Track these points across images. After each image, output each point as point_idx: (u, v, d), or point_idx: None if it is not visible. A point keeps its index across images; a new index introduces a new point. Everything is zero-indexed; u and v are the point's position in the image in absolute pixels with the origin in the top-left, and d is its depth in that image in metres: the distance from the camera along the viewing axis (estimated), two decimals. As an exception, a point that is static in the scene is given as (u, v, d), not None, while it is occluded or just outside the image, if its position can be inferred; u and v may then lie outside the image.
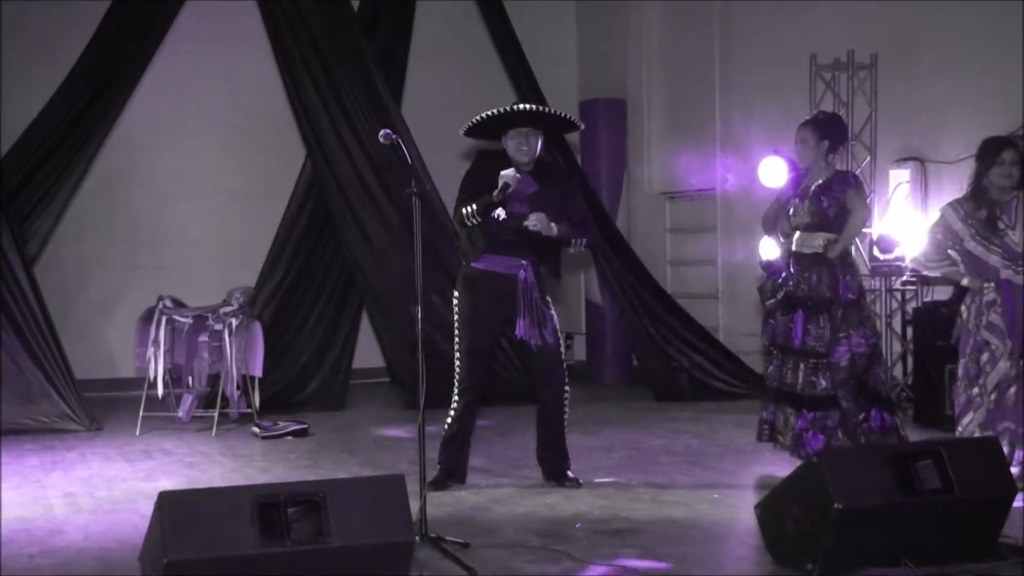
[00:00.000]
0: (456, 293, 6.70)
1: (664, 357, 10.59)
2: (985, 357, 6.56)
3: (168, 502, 4.30)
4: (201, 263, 11.11)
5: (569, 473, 6.81)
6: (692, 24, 11.91)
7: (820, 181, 7.09)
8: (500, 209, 6.45)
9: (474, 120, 6.56)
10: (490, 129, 6.65)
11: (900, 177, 9.75)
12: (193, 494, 4.67)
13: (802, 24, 10.62)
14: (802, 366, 6.97)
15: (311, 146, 10.16)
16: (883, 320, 9.43)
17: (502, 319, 6.66)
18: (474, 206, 6.41)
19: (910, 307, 9.55)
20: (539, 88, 10.67)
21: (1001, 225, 6.53)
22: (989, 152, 6.60)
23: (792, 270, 7.10)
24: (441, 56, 11.70)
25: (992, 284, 6.58)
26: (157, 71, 10.54)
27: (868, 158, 10.03)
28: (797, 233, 7.09)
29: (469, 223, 6.46)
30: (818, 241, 7.02)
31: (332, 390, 10.19)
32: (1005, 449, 6.30)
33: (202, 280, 10.54)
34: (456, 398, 6.70)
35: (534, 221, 6.41)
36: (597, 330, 11.85)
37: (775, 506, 5.11)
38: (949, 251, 6.74)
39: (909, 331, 9.51)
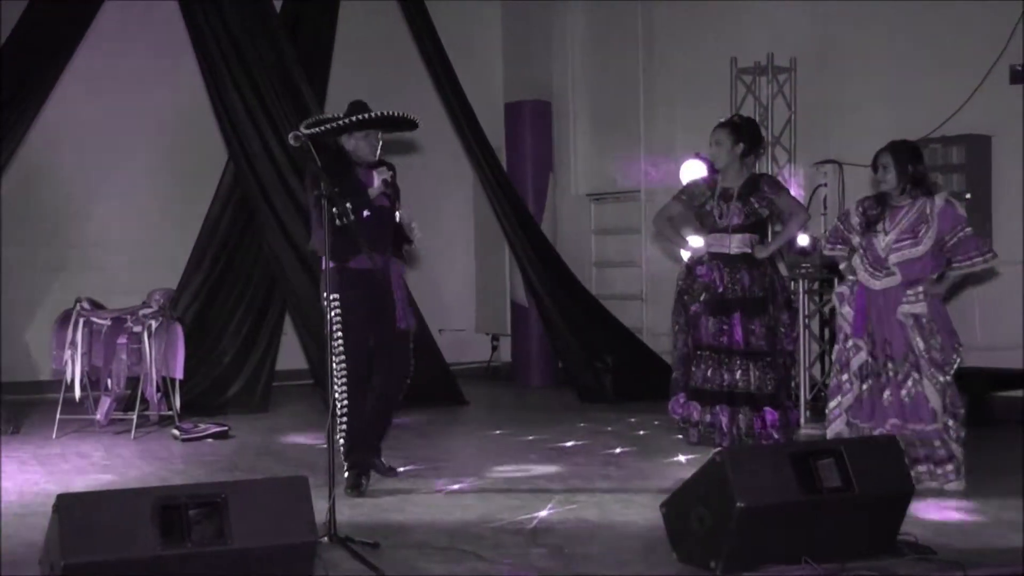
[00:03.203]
0: (331, 295, 6.53)
1: (587, 358, 10.65)
2: (850, 344, 6.77)
3: (66, 504, 4.27)
4: (124, 265, 11.01)
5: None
6: (616, 27, 11.99)
7: (741, 183, 7.18)
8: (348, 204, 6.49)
9: (323, 127, 6.63)
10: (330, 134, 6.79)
11: (819, 179, 9.90)
12: (92, 496, 4.63)
13: (723, 28, 10.76)
14: (753, 367, 7.05)
15: (233, 147, 10.10)
16: (801, 321, 9.53)
17: (377, 312, 6.74)
18: (345, 206, 6.18)
19: (827, 308, 9.67)
20: (462, 91, 10.69)
21: (879, 227, 6.67)
22: (874, 158, 6.78)
23: (720, 272, 7.18)
24: (365, 57, 11.67)
25: (852, 279, 6.80)
26: (77, 71, 10.44)
27: (788, 160, 10.15)
28: (720, 234, 7.17)
29: (340, 223, 6.19)
30: (745, 242, 7.12)
31: (255, 392, 10.14)
32: None
33: (125, 282, 10.44)
34: (345, 402, 6.62)
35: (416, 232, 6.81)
36: (522, 331, 11.88)
37: (680, 504, 5.16)
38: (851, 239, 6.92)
39: (827, 332, 9.64)
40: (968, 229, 6.59)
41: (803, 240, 9.11)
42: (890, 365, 6.63)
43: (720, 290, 7.13)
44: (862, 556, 5.00)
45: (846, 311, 6.83)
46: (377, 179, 6.66)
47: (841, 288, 6.94)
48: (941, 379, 6.52)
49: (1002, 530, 5.63)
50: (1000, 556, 5.17)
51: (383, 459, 7.06)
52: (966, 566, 4.91)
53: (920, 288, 6.56)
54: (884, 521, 5.12)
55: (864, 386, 6.72)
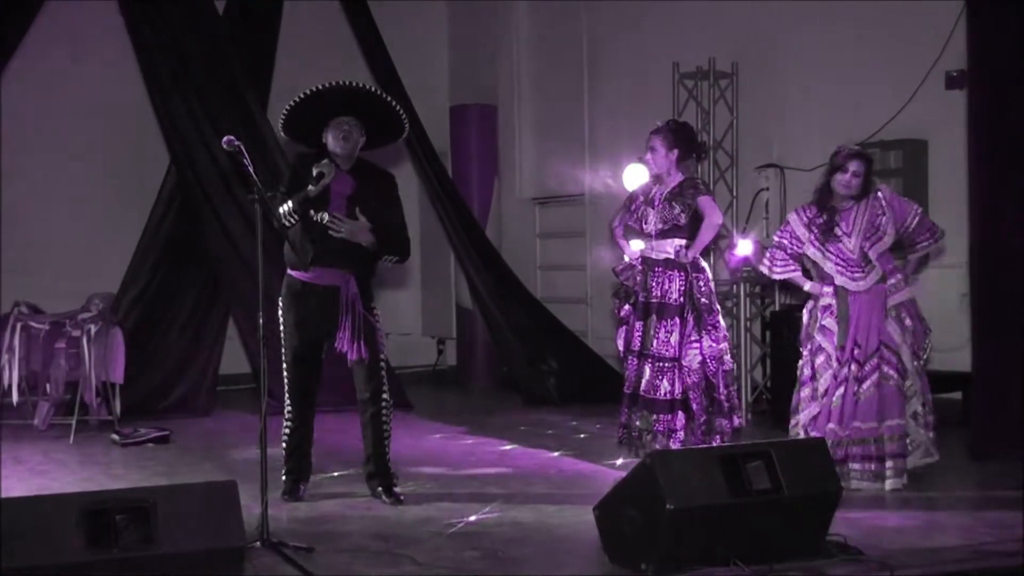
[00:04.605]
0: (281, 302, 6.53)
1: (532, 361, 10.67)
2: (820, 360, 6.76)
3: (-10, 510, 4.25)
4: (63, 268, 10.91)
5: (395, 491, 6.56)
6: (561, 32, 12.04)
7: (670, 188, 7.23)
8: (323, 213, 6.29)
9: (291, 104, 6.41)
10: (310, 124, 6.47)
11: (760, 184, 9.97)
12: (17, 502, 4.61)
13: (666, 32, 10.81)
14: (648, 369, 7.11)
15: (175, 150, 10.05)
16: (743, 324, 9.60)
17: (326, 329, 6.44)
18: (290, 204, 6.20)
19: (769, 311, 9.74)
20: (407, 94, 10.67)
21: (838, 231, 6.72)
22: (839, 158, 6.79)
23: (644, 275, 7.23)
24: (308, 59, 11.61)
25: (830, 289, 6.77)
26: (18, 72, 10.36)
27: (730, 165, 10.22)
28: (646, 239, 7.22)
29: (288, 223, 6.26)
30: (670, 246, 7.16)
31: (198, 396, 10.09)
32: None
33: (65, 286, 10.34)
34: (288, 408, 6.59)
35: (339, 228, 6.27)
36: (468, 335, 11.89)
37: (612, 507, 5.20)
38: (800, 256, 6.89)
39: (767, 335, 9.70)
40: (919, 209, 6.85)
41: (746, 248, 9.08)
42: (853, 367, 6.66)
43: (643, 294, 7.18)
44: (791, 557, 5.05)
45: (829, 322, 6.74)
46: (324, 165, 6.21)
47: (826, 300, 6.77)
48: (915, 364, 6.69)
49: (930, 531, 5.72)
50: (927, 556, 5.24)
51: (394, 488, 6.58)
52: (893, 567, 4.97)
53: (899, 276, 6.73)
54: (813, 522, 5.17)
55: (824, 399, 6.71)
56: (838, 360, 6.68)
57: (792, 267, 6.92)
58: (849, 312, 6.69)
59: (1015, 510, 6.03)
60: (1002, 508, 6.14)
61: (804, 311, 6.94)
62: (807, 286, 6.91)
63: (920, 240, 6.81)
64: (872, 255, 6.71)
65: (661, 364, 7.05)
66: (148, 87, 10.13)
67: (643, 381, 7.11)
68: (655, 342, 7.09)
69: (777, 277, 7.11)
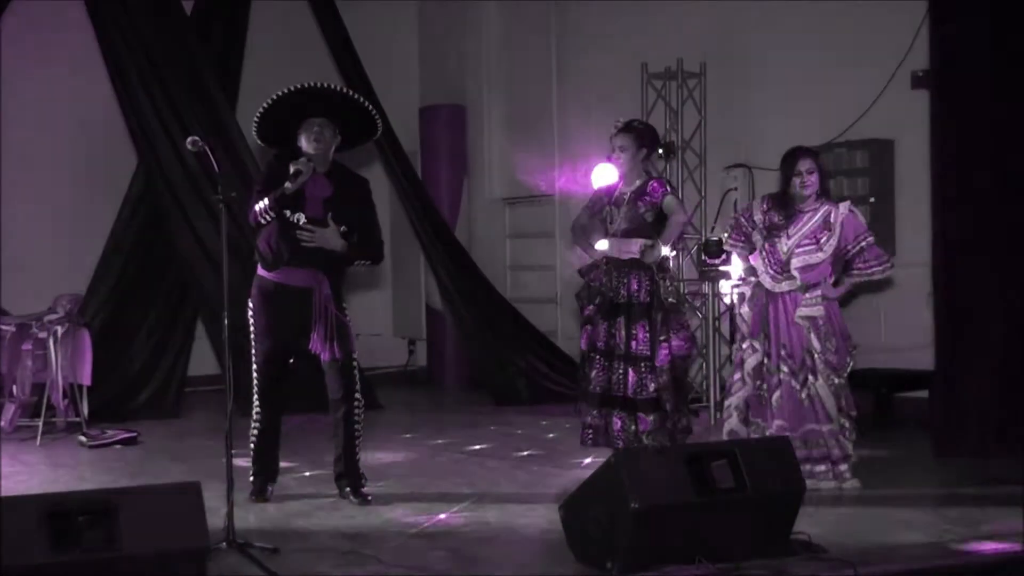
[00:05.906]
0: (251, 303, 6.53)
1: (502, 361, 10.69)
2: (746, 344, 6.89)
3: (-50, 512, 4.23)
4: (30, 269, 10.85)
5: (363, 491, 6.55)
6: (530, 32, 12.05)
7: (635, 187, 7.25)
8: (300, 213, 6.29)
9: (261, 109, 6.41)
10: (283, 128, 6.46)
11: (729, 184, 10.01)
12: (-22, 504, 4.59)
13: (634, 33, 10.83)
14: (631, 371, 7.09)
15: (143, 151, 10.03)
16: (711, 324, 9.64)
17: (298, 330, 6.42)
18: (267, 200, 6.19)
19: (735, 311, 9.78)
20: (376, 94, 10.66)
21: (783, 233, 6.75)
22: (788, 163, 6.82)
23: (609, 276, 7.24)
24: (277, 59, 11.59)
25: (754, 280, 6.92)
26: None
27: (698, 165, 10.25)
28: (612, 239, 7.23)
29: (264, 220, 6.26)
30: (635, 247, 7.17)
31: (166, 398, 10.06)
32: None
33: (31, 287, 10.30)
34: (257, 410, 6.59)
35: (311, 239, 6.27)
36: (438, 335, 11.90)
37: (577, 506, 5.21)
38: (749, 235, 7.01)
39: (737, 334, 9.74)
40: (871, 238, 6.77)
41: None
42: (784, 368, 6.73)
43: (610, 294, 7.19)
44: (756, 555, 5.06)
45: (745, 311, 6.95)
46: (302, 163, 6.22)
47: (742, 288, 7.05)
48: (836, 380, 6.68)
49: (893, 528, 5.74)
50: (890, 553, 5.27)
51: (362, 488, 6.57)
52: (857, 564, 4.99)
53: (818, 292, 6.69)
54: (777, 520, 5.19)
55: (764, 385, 6.79)
56: (766, 356, 6.77)
57: (741, 243, 7.04)
58: (764, 309, 6.80)
59: (977, 507, 6.09)
60: (964, 505, 6.19)
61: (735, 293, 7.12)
62: (744, 266, 7.14)
63: (861, 266, 6.75)
64: (794, 264, 6.74)
65: (644, 364, 7.06)
66: (115, 87, 10.10)
67: (628, 382, 7.09)
68: (634, 343, 7.09)
69: (729, 248, 7.43)
